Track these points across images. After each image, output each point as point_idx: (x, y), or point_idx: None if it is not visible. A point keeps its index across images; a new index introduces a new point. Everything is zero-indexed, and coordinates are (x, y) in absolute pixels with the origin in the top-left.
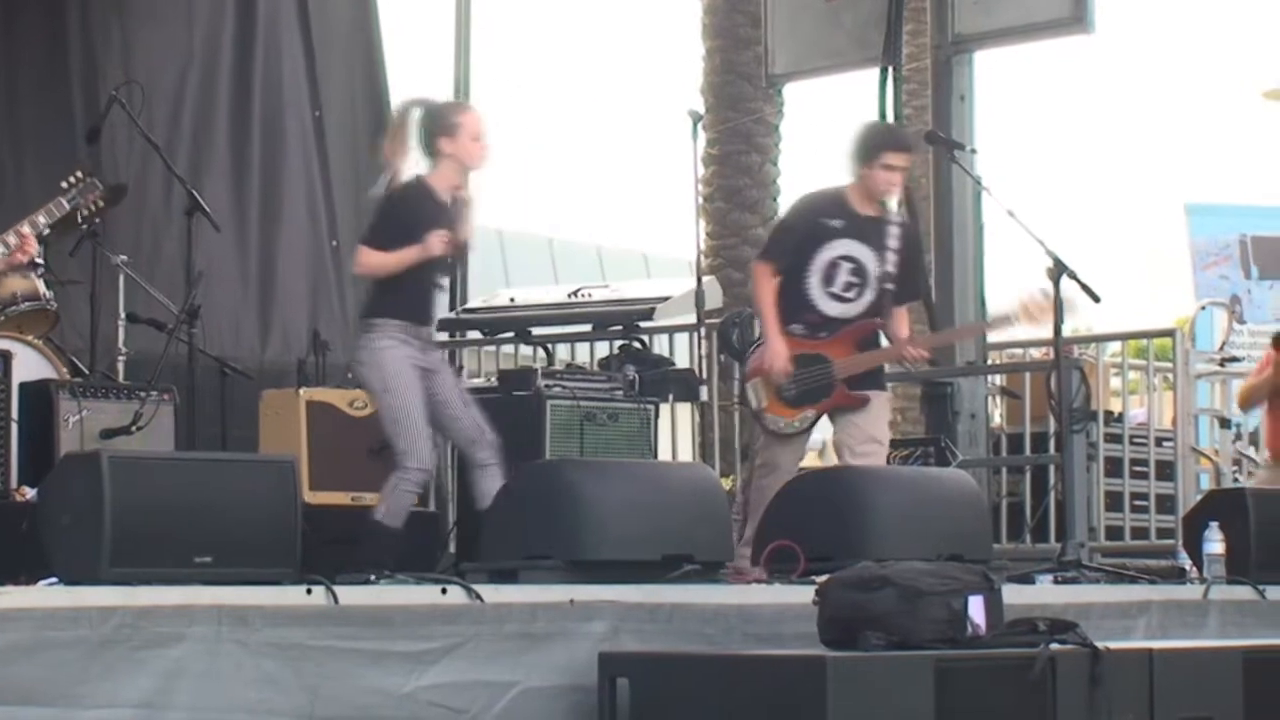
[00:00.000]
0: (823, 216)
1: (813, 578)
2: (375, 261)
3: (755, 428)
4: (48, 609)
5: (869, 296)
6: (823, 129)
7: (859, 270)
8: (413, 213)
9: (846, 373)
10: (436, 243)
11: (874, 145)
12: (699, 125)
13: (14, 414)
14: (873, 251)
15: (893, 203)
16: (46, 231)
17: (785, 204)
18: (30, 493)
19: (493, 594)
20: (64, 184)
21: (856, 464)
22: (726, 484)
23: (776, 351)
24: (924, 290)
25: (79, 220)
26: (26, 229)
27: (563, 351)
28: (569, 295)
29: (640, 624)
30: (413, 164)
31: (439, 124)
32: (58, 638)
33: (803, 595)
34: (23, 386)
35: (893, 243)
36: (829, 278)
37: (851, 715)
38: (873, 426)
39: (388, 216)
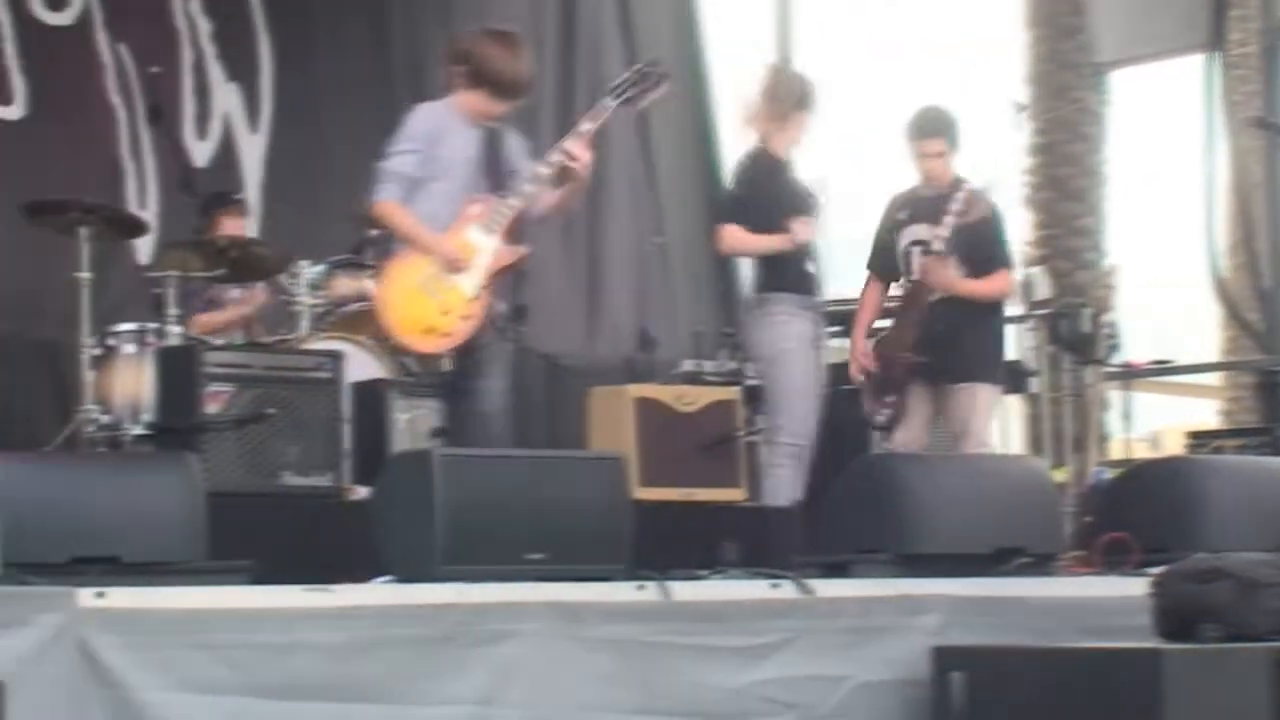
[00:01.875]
0: (896, 212)
1: (1147, 570)
2: (740, 243)
3: None
4: (382, 607)
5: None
6: (1150, 115)
7: (927, 250)
8: (789, 196)
9: (905, 341)
10: (802, 231)
11: (908, 134)
12: (1023, 115)
13: (346, 413)
14: (931, 225)
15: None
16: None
17: (1113, 192)
18: (363, 491)
19: (824, 588)
20: (617, 80)
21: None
22: (1058, 476)
23: (852, 356)
24: (1003, 258)
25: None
26: (572, 138)
27: None
28: None
29: (972, 618)
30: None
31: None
32: (393, 635)
33: (1137, 587)
34: (354, 386)
35: (954, 207)
36: (908, 267)
37: (1188, 708)
38: (963, 417)
39: (752, 194)
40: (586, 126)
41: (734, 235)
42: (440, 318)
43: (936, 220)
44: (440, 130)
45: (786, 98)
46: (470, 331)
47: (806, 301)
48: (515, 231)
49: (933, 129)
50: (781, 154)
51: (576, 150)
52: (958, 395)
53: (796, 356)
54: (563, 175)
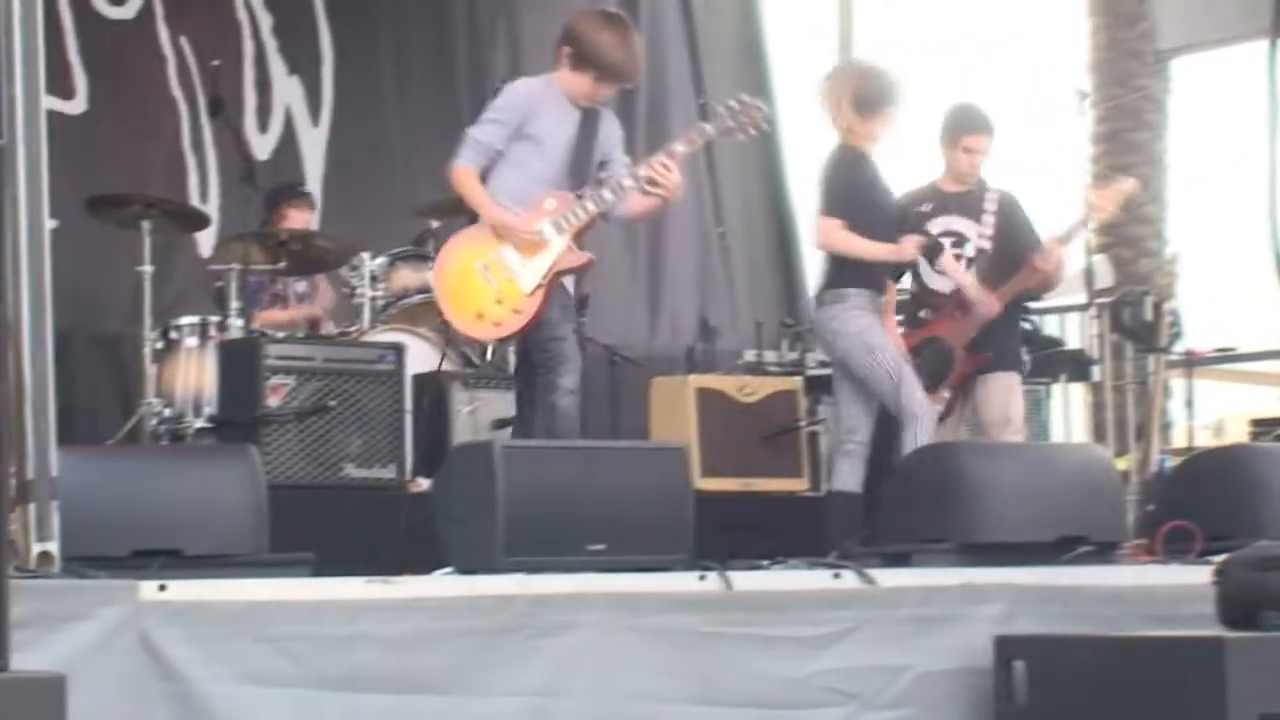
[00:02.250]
0: (913, 206)
1: (1210, 558)
2: (839, 240)
3: None
4: (444, 598)
5: (979, 264)
6: (1211, 104)
7: (960, 242)
8: (879, 194)
9: (962, 339)
10: (910, 249)
11: (953, 129)
12: (1085, 103)
13: (408, 405)
14: (970, 220)
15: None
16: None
17: (1175, 180)
18: (425, 483)
19: (885, 578)
20: (719, 109)
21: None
22: (1120, 464)
23: None
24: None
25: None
26: (663, 158)
27: None
28: None
29: (1035, 606)
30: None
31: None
32: (454, 627)
33: (1201, 575)
34: (416, 378)
35: (989, 207)
36: (934, 260)
37: (1251, 696)
38: (1002, 406)
39: (850, 190)
40: (680, 148)
41: (832, 230)
42: (493, 305)
43: (975, 217)
44: (535, 107)
45: (875, 93)
46: (520, 326)
47: (877, 300)
48: (585, 235)
49: (984, 125)
50: (868, 150)
51: (664, 169)
52: (997, 384)
53: (865, 351)
54: (647, 189)
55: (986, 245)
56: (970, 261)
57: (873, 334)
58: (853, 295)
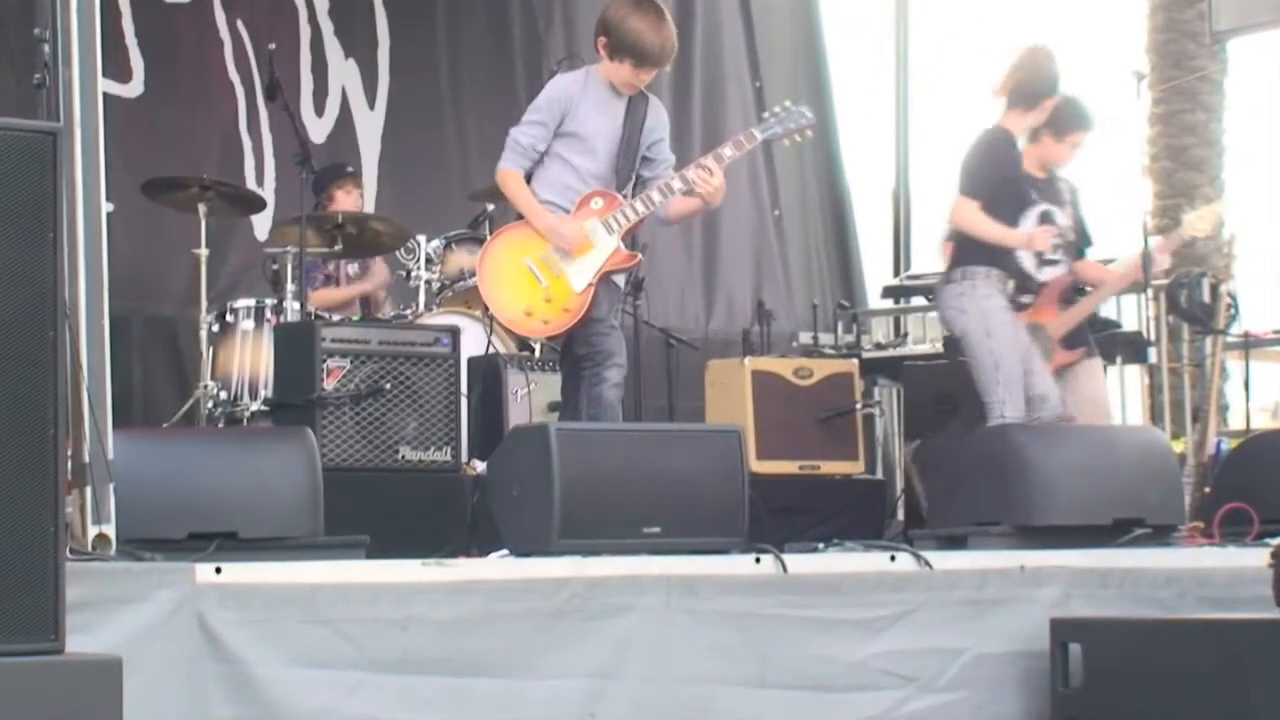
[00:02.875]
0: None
1: (1267, 540)
2: (974, 222)
3: None
4: (500, 581)
5: (1070, 253)
6: (1269, 84)
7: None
8: (1017, 180)
9: (1059, 331)
10: (1041, 240)
11: (1065, 123)
12: (1143, 84)
13: (463, 388)
14: (1058, 208)
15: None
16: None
17: (1232, 161)
18: (480, 466)
19: (942, 561)
20: (764, 115)
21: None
22: (1177, 446)
23: None
24: (1091, 240)
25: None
26: (710, 162)
27: None
28: None
29: (1092, 589)
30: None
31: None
32: (510, 609)
33: (1257, 558)
34: (471, 361)
35: (1066, 196)
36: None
37: None
38: (1091, 388)
39: (997, 174)
40: (728, 153)
41: (969, 210)
42: (543, 304)
43: (1060, 204)
44: (574, 102)
45: (1041, 81)
46: (569, 325)
47: (1006, 282)
48: (633, 233)
49: (1092, 123)
50: (1019, 137)
51: (709, 174)
52: (1089, 369)
53: (983, 334)
54: (693, 190)
55: (1071, 236)
56: (1064, 249)
57: (996, 319)
58: (982, 275)
